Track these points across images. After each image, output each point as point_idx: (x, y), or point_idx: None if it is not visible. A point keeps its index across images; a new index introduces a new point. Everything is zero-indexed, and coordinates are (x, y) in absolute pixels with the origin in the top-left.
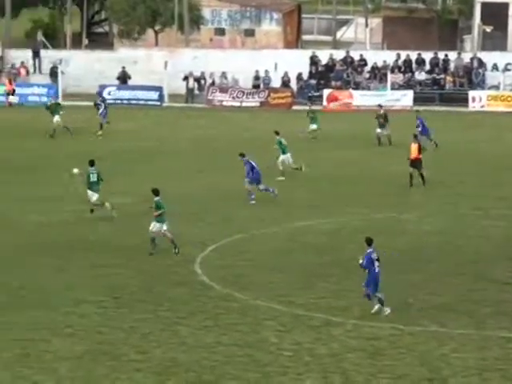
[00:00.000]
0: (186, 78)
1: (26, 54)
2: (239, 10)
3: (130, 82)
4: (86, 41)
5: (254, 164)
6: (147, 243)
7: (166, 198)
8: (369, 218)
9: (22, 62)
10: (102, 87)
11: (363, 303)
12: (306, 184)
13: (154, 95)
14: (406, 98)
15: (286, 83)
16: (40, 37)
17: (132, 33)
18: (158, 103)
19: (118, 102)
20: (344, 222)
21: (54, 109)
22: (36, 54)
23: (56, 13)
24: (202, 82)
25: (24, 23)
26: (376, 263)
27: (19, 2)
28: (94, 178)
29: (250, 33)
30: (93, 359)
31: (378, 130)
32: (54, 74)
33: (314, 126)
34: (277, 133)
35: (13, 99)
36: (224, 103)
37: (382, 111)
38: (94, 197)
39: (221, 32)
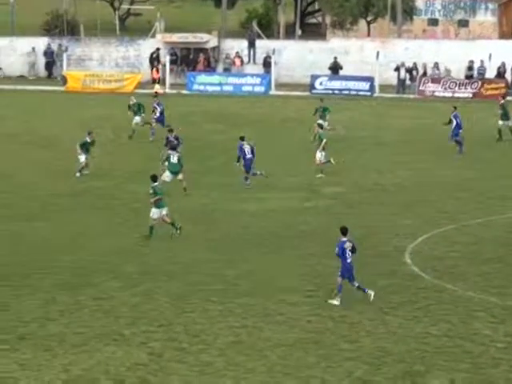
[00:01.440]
0: (397, 69)
1: (240, 44)
2: (453, 1)
3: (342, 73)
4: (299, 31)
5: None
6: (355, 233)
7: (376, 189)
8: None
9: (237, 52)
10: (314, 77)
11: None
12: None
13: (366, 85)
14: None
15: (501, 74)
16: (254, 27)
17: (344, 23)
18: (369, 93)
19: (330, 92)
20: None
21: (136, 109)
22: (251, 44)
23: (270, 3)
24: (414, 72)
25: (239, 14)
26: (348, 253)
27: None
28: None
29: (463, 23)
30: (303, 347)
31: None
32: (267, 63)
33: None
34: None
35: (158, 88)
36: (436, 94)
37: None
38: None
39: (434, 22)
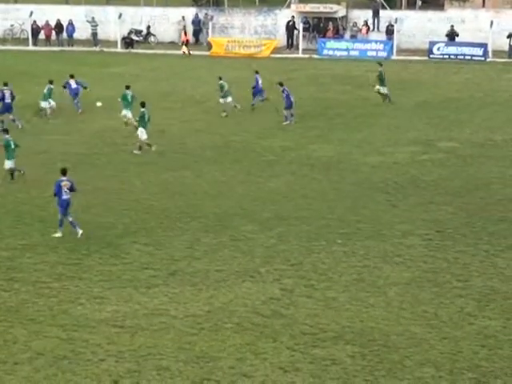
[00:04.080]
0: (509, 36)
1: (366, 14)
2: None
3: (458, 39)
4: (419, 2)
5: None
6: (471, 184)
7: (487, 144)
8: None
9: (365, 21)
10: (432, 43)
11: None
12: None
13: (479, 51)
14: None
15: None
16: None
17: None
18: (483, 58)
19: (446, 57)
20: None
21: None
22: (375, 14)
23: None
24: None
25: None
26: (65, 190)
27: None
28: None
29: None
30: (418, 285)
31: None
32: (389, 31)
33: None
34: None
35: (185, 49)
36: None
37: None
38: None
39: None
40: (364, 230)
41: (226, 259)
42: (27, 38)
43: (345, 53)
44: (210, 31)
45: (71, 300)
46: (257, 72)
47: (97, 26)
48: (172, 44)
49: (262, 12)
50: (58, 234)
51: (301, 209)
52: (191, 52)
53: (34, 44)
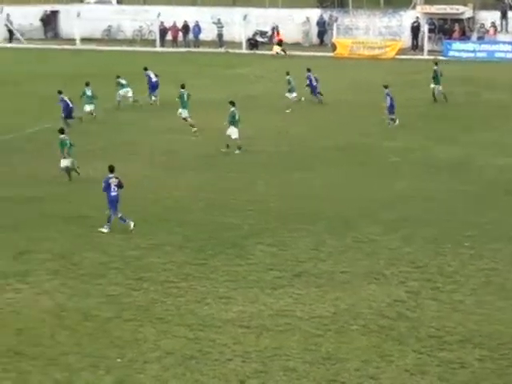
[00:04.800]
0: None
1: (493, 15)
2: None
3: None
4: None
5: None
6: None
7: None
8: None
9: (493, 22)
10: None
11: None
12: None
13: None
14: None
15: None
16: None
17: None
18: None
19: None
20: None
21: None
22: (503, 15)
23: None
24: None
25: None
26: (113, 188)
27: None
28: None
29: None
30: None
31: None
32: None
33: None
34: None
35: (277, 49)
36: None
37: None
38: None
39: None
40: (491, 232)
41: (350, 261)
42: (155, 39)
43: (471, 54)
44: (334, 32)
45: (198, 300)
46: (309, 70)
47: (222, 27)
48: (296, 45)
49: (387, 13)
50: (105, 230)
51: (426, 211)
52: (318, 54)
53: (162, 45)
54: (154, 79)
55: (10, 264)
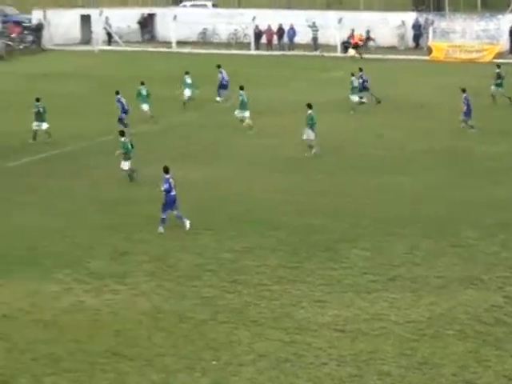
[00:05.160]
0: None
1: None
2: None
3: None
4: None
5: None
6: None
7: None
8: None
9: None
10: None
11: None
12: None
13: None
14: None
15: None
16: None
17: None
18: None
19: None
20: None
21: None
22: None
23: None
24: None
25: None
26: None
27: None
28: None
29: None
30: None
31: None
32: None
33: None
34: None
35: (352, 52)
36: None
37: None
38: None
39: None
40: None
41: (446, 265)
42: (249, 43)
43: None
44: (430, 36)
45: (293, 303)
46: (361, 70)
47: (317, 30)
48: (391, 49)
49: (484, 17)
50: (161, 230)
51: None
52: (413, 57)
53: (256, 48)
54: (226, 78)
55: (107, 265)
